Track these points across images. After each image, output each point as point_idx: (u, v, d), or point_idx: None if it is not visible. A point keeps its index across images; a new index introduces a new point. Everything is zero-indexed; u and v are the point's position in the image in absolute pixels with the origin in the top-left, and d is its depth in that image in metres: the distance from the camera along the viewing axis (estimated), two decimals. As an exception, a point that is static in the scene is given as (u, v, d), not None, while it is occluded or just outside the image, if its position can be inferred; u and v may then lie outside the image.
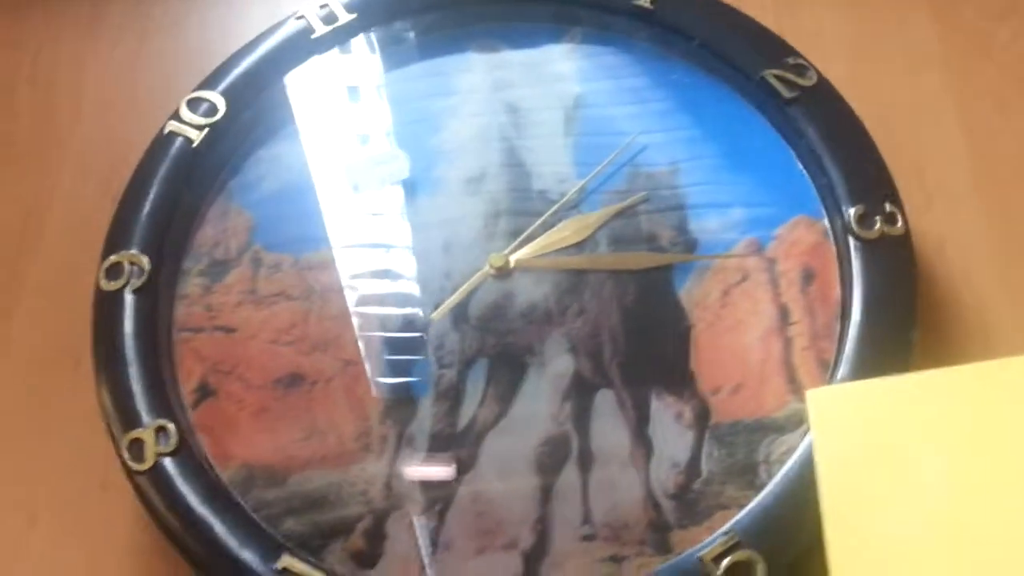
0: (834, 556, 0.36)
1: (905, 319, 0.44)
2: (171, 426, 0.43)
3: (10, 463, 0.49)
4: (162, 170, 0.50)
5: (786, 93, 0.50)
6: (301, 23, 0.54)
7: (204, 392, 0.46)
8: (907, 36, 0.57)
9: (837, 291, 0.46)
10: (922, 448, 0.37)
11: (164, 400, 0.44)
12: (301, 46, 0.53)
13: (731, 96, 0.52)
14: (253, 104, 0.52)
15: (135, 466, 0.42)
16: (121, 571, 0.46)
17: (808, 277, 0.47)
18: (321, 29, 0.53)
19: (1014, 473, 0.36)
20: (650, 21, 0.53)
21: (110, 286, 0.47)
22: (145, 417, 0.44)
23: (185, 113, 0.51)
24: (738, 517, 0.41)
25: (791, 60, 0.51)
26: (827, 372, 0.44)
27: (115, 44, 0.61)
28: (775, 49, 0.52)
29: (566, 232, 0.49)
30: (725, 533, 0.40)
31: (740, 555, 0.39)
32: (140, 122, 0.55)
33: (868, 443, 0.38)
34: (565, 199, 0.50)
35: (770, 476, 0.42)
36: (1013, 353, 0.39)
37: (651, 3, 0.52)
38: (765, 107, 0.51)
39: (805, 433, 0.42)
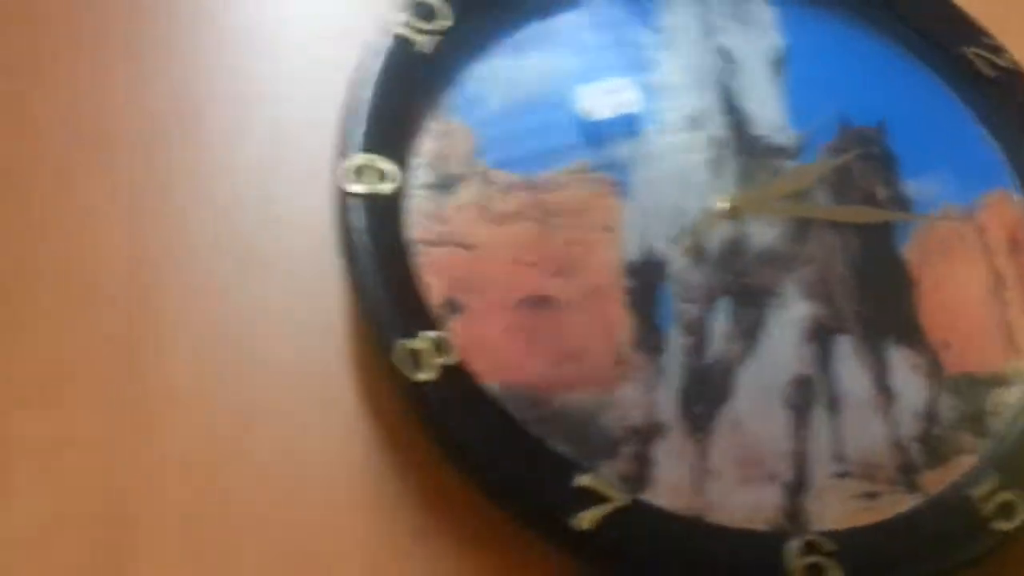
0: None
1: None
2: (446, 337, 0.42)
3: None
4: (390, 73, 0.48)
5: (988, 72, 0.53)
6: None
7: (451, 308, 0.45)
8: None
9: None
10: None
11: (424, 312, 0.43)
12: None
13: (925, 68, 0.54)
14: (479, 13, 0.50)
15: (414, 376, 0.41)
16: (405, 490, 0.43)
17: (1015, 248, 0.50)
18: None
19: None
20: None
21: (358, 189, 0.45)
22: (410, 328, 0.42)
23: (409, 16, 0.49)
24: (986, 460, 0.44)
25: (987, 40, 0.54)
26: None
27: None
28: (971, 28, 0.54)
29: (789, 180, 0.50)
30: (984, 474, 0.43)
31: (1004, 496, 0.42)
32: (343, 23, 0.52)
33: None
34: (786, 147, 0.51)
35: (999, 424, 0.45)
36: None
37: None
38: (960, 83, 0.54)
39: (1030, 387, 0.46)
